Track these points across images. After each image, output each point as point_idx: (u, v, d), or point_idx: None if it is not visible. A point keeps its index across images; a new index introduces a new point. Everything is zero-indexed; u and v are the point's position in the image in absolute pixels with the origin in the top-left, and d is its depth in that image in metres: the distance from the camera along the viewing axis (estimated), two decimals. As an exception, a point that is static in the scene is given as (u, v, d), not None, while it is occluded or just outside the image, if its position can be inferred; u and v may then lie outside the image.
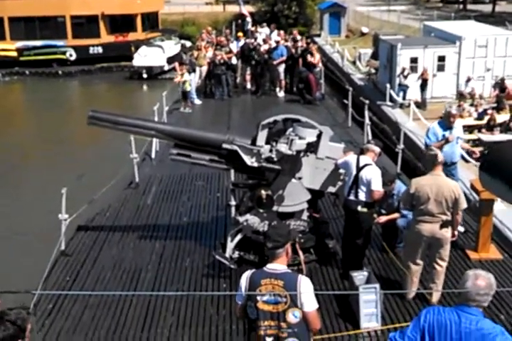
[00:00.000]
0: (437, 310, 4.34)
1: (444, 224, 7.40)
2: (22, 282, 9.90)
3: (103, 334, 7.39)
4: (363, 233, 8.27)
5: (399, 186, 8.95)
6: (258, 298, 4.89)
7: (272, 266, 4.94)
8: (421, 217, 7.44)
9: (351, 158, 8.28)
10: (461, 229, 9.88)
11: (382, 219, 8.57)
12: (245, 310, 5.04)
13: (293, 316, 4.84)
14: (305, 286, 4.84)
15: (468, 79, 19.76)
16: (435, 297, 7.76)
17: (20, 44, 38.83)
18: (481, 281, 4.21)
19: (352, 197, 8.16)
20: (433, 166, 7.50)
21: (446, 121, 9.91)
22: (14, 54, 38.70)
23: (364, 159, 8.16)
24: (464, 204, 7.41)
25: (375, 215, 8.40)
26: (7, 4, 39.07)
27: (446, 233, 7.47)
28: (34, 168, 19.20)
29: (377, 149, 8.38)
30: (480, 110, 17.69)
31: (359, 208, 8.13)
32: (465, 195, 9.26)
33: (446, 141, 9.74)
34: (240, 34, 26.00)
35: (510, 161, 7.63)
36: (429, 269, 7.72)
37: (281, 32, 27.78)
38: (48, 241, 9.93)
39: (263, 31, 26.27)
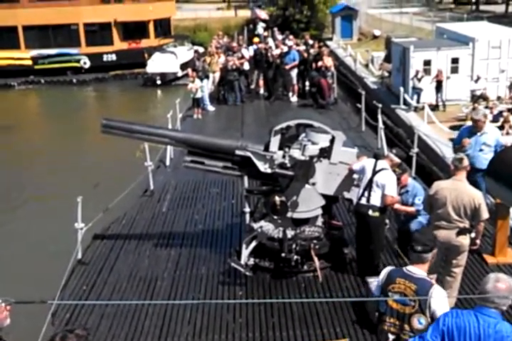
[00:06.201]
0: (456, 313, 4.36)
1: (461, 231, 7.26)
2: (39, 291, 9.96)
3: (120, 344, 7.41)
4: (374, 238, 8.23)
5: (413, 184, 8.89)
6: (390, 294, 5.06)
7: (412, 269, 5.07)
8: (438, 222, 7.35)
9: (369, 162, 8.25)
10: None
11: (397, 206, 8.47)
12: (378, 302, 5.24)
13: (418, 322, 4.93)
14: (437, 296, 4.90)
15: (478, 78, 19.61)
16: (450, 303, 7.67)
17: (34, 52, 39.20)
18: (502, 284, 4.24)
19: (363, 202, 8.13)
20: (455, 171, 7.37)
21: (473, 126, 9.82)
22: (29, 62, 39.08)
23: (381, 164, 8.14)
24: (485, 214, 7.21)
25: (387, 221, 8.35)
26: (20, 13, 39.49)
27: (464, 240, 7.33)
28: (49, 177, 19.31)
29: (396, 160, 8.36)
30: (495, 112, 17.55)
31: (370, 212, 8.08)
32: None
33: (462, 145, 9.67)
34: (256, 39, 26.00)
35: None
36: (445, 275, 7.65)
37: (291, 36, 27.75)
38: (65, 250, 9.98)
39: (270, 42, 26.27)
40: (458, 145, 10.03)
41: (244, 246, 8.71)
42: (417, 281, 4.97)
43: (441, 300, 4.88)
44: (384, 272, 5.24)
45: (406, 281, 5.00)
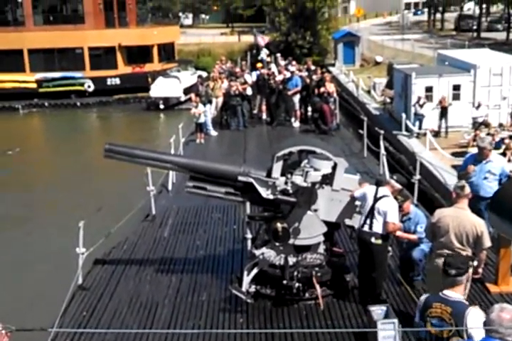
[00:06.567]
0: None
1: None
2: (40, 316, 9.93)
3: (119, 371, 7.34)
4: (377, 265, 8.19)
5: (415, 211, 8.87)
6: (428, 319, 5.14)
7: (448, 293, 5.14)
8: (440, 251, 7.31)
9: (370, 189, 8.25)
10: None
11: (399, 233, 8.43)
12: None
13: None
14: (473, 318, 4.91)
15: (479, 105, 19.70)
16: None
17: (39, 76, 39.56)
18: (506, 314, 4.24)
19: (366, 229, 8.11)
20: (457, 198, 7.35)
21: (478, 154, 9.87)
22: (33, 85, 39.40)
23: (382, 190, 8.14)
24: (487, 242, 7.21)
25: (389, 248, 8.31)
26: (26, 36, 39.98)
27: None
28: (51, 201, 19.31)
29: (397, 186, 8.35)
30: (497, 139, 17.55)
31: (373, 240, 8.06)
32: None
33: (466, 172, 9.69)
34: (259, 65, 26.24)
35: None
36: None
37: (294, 62, 28.01)
38: (66, 275, 9.94)
39: (273, 67, 26.52)
40: (462, 172, 10.03)
41: (245, 272, 8.66)
42: (452, 304, 5.01)
43: (477, 322, 4.85)
44: (421, 299, 5.35)
45: (442, 305, 5.06)
